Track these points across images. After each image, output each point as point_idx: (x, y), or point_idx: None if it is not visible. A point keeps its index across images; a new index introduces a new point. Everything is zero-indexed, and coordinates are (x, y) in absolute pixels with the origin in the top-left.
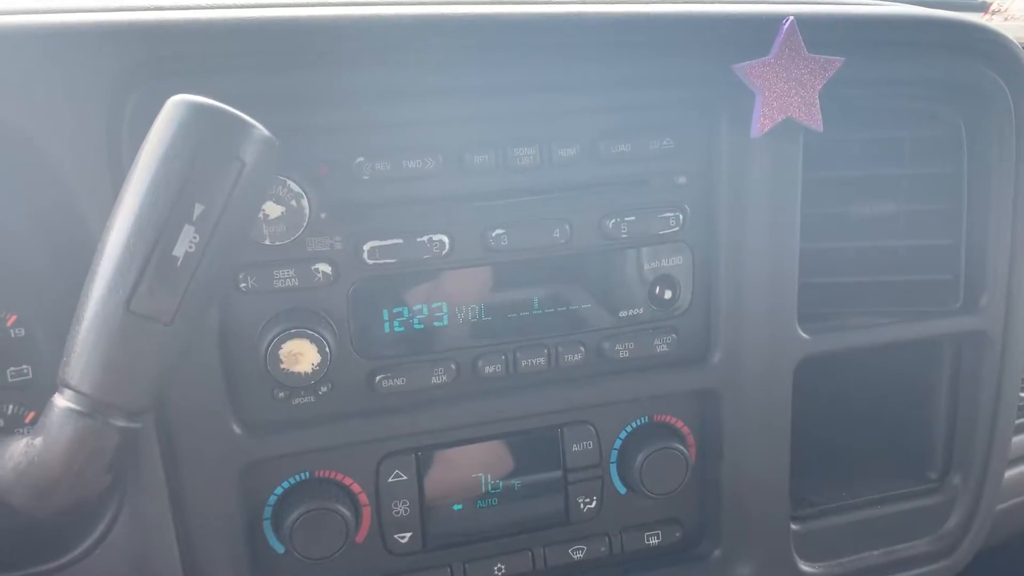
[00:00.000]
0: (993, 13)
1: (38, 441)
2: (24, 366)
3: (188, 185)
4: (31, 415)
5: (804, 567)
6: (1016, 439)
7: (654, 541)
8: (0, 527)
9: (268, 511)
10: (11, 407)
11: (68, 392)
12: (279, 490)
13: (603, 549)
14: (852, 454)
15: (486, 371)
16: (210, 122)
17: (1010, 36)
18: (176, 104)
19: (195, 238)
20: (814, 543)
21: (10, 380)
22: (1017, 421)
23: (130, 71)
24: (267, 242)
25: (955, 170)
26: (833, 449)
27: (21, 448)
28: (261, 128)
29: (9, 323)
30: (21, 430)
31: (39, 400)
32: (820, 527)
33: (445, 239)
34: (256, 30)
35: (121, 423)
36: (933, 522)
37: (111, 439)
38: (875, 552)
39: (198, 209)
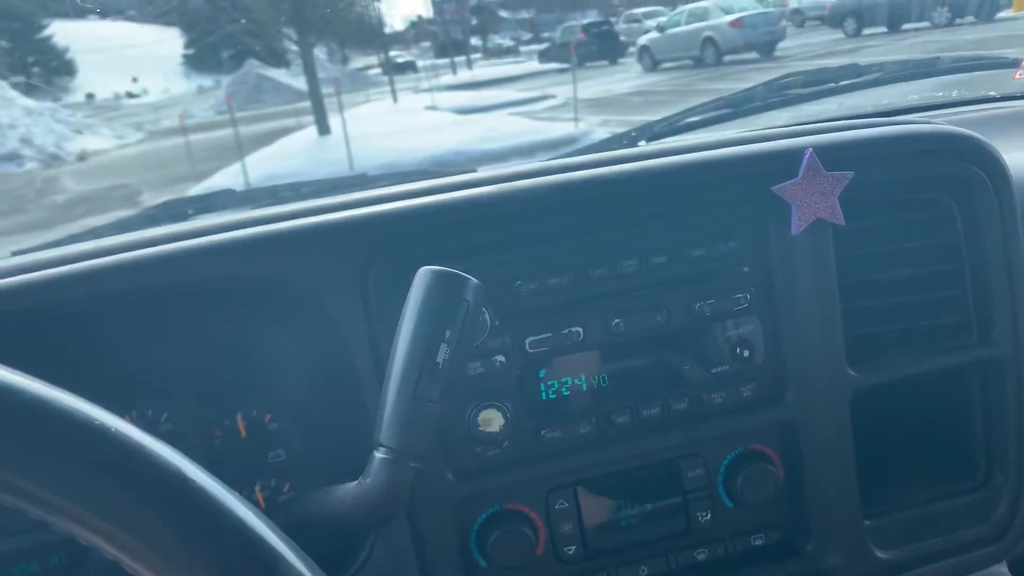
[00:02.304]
0: None
1: (368, 480)
2: (279, 450)
3: (440, 320)
4: (287, 487)
5: (880, 554)
6: None
7: (759, 542)
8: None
9: (473, 535)
10: (273, 481)
11: (383, 448)
12: (480, 518)
13: (720, 551)
14: (914, 462)
15: (618, 421)
16: (447, 281)
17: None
18: (425, 272)
19: (447, 350)
20: (887, 534)
21: (270, 461)
22: None
23: (372, 247)
24: None
25: (954, 240)
26: (898, 459)
27: (355, 485)
28: (474, 279)
29: (267, 419)
30: (283, 498)
31: (292, 475)
32: (891, 521)
33: (580, 330)
34: (453, 209)
35: (415, 464)
36: (984, 513)
37: (409, 476)
38: (938, 539)
39: (447, 333)
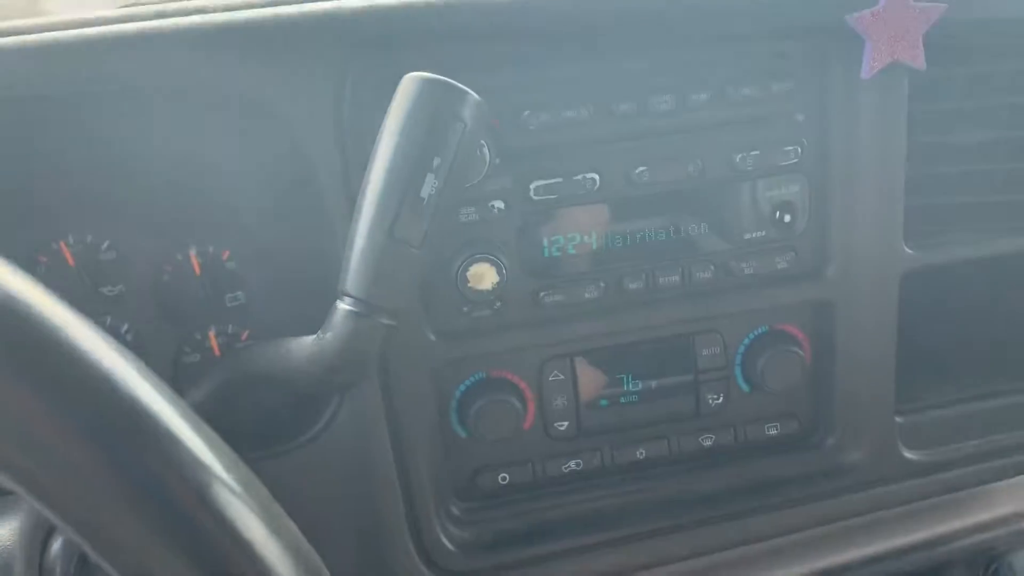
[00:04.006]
0: None
1: (328, 335)
2: (238, 292)
3: (428, 143)
4: (246, 334)
5: (908, 454)
6: None
7: (773, 432)
8: (249, 417)
9: (454, 403)
10: (231, 326)
11: (348, 299)
12: (463, 386)
13: (729, 438)
14: (958, 356)
15: (630, 287)
16: (440, 92)
17: None
18: (412, 80)
19: (435, 183)
20: (918, 433)
21: (228, 305)
22: None
23: (349, 50)
24: None
25: None
26: (940, 351)
27: (312, 341)
28: (474, 95)
29: (224, 257)
30: (241, 345)
31: (251, 321)
32: (923, 420)
33: (596, 177)
34: (446, 12)
35: (386, 321)
36: None
37: (379, 333)
38: (974, 442)
39: (436, 161)
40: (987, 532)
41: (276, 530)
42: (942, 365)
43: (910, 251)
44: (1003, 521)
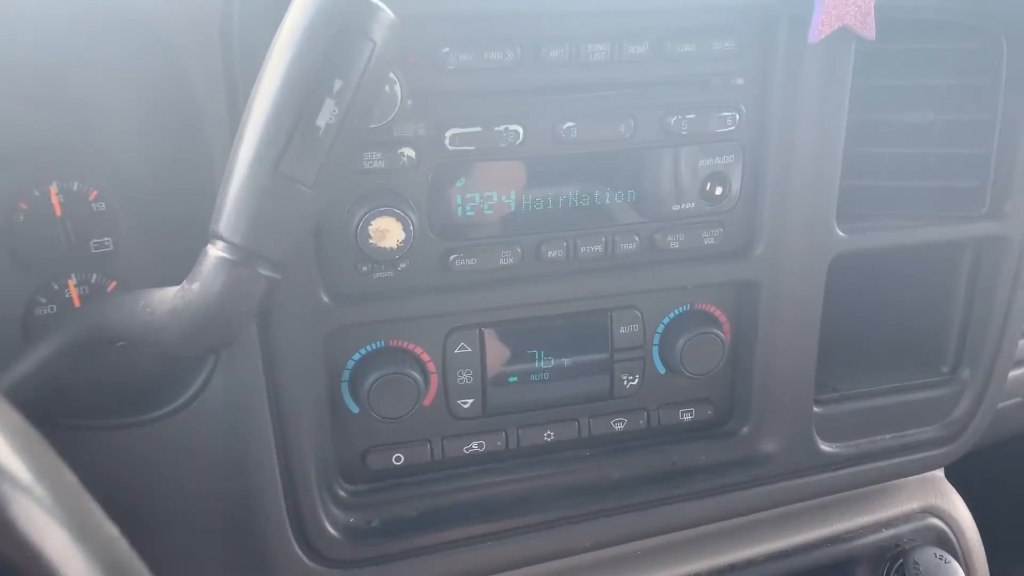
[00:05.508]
0: None
1: (195, 286)
2: (106, 238)
3: (329, 62)
4: (113, 284)
5: (823, 446)
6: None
7: (687, 417)
8: (112, 380)
9: (346, 374)
10: (95, 276)
11: (220, 243)
12: (357, 356)
13: (641, 422)
14: (873, 347)
15: (549, 255)
16: (347, 5)
17: None
18: None
19: (335, 110)
20: (833, 425)
21: (93, 251)
22: None
23: None
24: None
25: (993, 82)
26: (856, 342)
27: (176, 292)
28: (388, 11)
29: (91, 197)
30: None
31: (120, 271)
32: (840, 411)
33: (520, 129)
34: None
35: (267, 272)
36: (941, 411)
37: (258, 286)
38: (887, 436)
39: (337, 84)
40: (894, 528)
41: (84, 533)
42: (863, 354)
43: (842, 234)
44: (910, 517)
